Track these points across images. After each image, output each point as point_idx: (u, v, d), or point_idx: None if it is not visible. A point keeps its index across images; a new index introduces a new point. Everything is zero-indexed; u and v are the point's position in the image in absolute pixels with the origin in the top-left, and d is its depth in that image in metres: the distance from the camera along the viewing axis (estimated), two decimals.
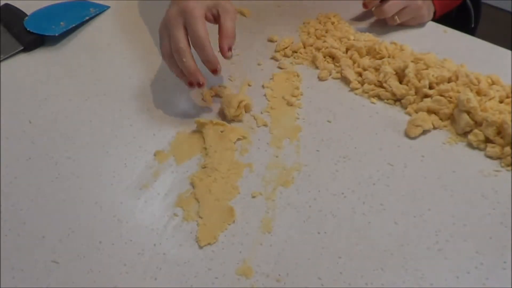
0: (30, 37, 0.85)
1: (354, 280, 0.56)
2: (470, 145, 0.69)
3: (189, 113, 0.75)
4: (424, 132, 0.71)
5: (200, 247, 0.60)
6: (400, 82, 0.75)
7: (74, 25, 0.88)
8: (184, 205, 0.64)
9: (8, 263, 0.58)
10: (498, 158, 0.67)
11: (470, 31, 1.00)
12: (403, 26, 0.85)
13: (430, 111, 0.72)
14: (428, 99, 0.72)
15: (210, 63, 0.67)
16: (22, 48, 0.84)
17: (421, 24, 0.86)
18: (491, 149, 0.67)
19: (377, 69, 0.77)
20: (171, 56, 0.68)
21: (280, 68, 0.81)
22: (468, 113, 0.69)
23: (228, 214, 0.62)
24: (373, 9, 0.83)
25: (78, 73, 0.81)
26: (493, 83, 0.73)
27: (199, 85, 0.68)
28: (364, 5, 0.83)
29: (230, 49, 0.68)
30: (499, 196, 0.64)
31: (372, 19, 0.88)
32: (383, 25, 0.86)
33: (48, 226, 0.62)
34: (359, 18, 0.88)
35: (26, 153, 0.69)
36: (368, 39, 0.82)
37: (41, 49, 0.85)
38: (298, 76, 0.79)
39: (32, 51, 0.85)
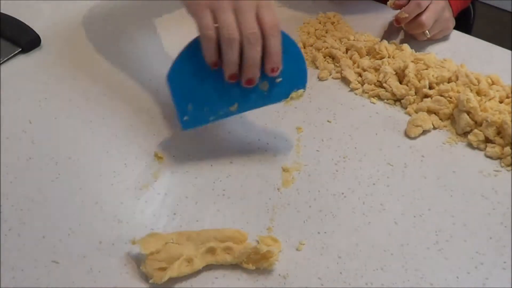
0: (27, 38, 0.84)
1: (354, 280, 0.56)
2: (470, 145, 0.69)
3: None
4: (424, 132, 0.71)
5: None
6: (400, 82, 0.75)
7: None
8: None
9: (8, 263, 0.58)
10: (498, 158, 0.67)
11: (469, 27, 1.00)
12: (428, 40, 0.82)
13: (430, 111, 0.72)
14: (428, 99, 0.72)
15: (277, 55, 0.62)
16: (20, 49, 0.84)
17: (445, 37, 0.85)
18: (491, 149, 0.67)
19: (377, 69, 0.77)
20: (214, 40, 0.60)
21: None
22: (468, 113, 0.69)
23: None
24: (404, 26, 0.80)
25: (78, 73, 0.81)
26: (493, 83, 0.73)
27: (236, 77, 0.62)
28: (397, 21, 0.78)
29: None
30: (499, 196, 0.64)
31: (372, 20, 0.87)
32: (383, 25, 0.87)
33: (48, 226, 0.62)
34: (359, 18, 0.88)
35: (26, 153, 0.69)
36: (368, 39, 0.82)
37: (40, 49, 0.85)
38: None
39: (31, 51, 0.85)
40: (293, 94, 0.66)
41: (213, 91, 0.64)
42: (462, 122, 0.69)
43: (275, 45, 0.61)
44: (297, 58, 0.65)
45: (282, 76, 0.64)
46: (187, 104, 0.64)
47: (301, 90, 0.66)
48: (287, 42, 0.64)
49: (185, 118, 0.65)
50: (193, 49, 0.63)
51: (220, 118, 0.66)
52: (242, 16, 0.59)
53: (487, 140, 0.69)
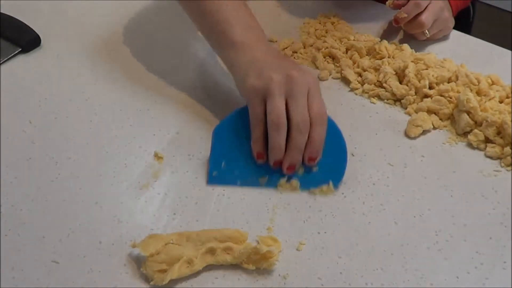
0: (27, 38, 0.84)
1: (354, 280, 0.56)
2: (470, 145, 0.69)
3: (189, 113, 0.74)
4: (424, 132, 0.71)
5: None
6: (400, 82, 0.75)
7: None
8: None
9: (8, 263, 0.58)
10: (498, 158, 0.67)
11: (469, 27, 1.00)
12: (428, 40, 0.82)
13: (430, 111, 0.72)
14: (428, 99, 0.72)
15: (319, 143, 0.62)
16: (20, 49, 0.84)
17: (445, 37, 0.84)
18: (491, 149, 0.67)
19: (377, 69, 0.77)
20: (261, 122, 0.62)
21: None
22: (468, 113, 0.69)
23: None
24: (403, 26, 0.80)
25: (78, 73, 0.81)
26: (493, 83, 0.73)
27: (280, 163, 0.63)
28: (395, 21, 0.79)
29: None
30: (499, 196, 0.64)
31: (372, 20, 0.87)
32: (383, 25, 0.87)
33: (48, 226, 0.62)
34: (359, 18, 0.88)
35: (26, 153, 0.69)
36: (368, 39, 0.82)
37: (40, 49, 0.85)
38: None
39: (31, 51, 0.85)
40: (324, 187, 0.64)
41: (249, 159, 0.65)
42: (462, 122, 0.69)
43: (319, 133, 0.62)
44: (339, 152, 0.65)
45: (320, 166, 0.64)
46: (222, 161, 0.65)
47: (332, 187, 0.64)
48: (334, 135, 0.64)
49: (214, 173, 0.65)
50: (242, 115, 0.65)
51: (246, 185, 0.65)
52: (294, 103, 0.60)
53: (487, 140, 0.69)
